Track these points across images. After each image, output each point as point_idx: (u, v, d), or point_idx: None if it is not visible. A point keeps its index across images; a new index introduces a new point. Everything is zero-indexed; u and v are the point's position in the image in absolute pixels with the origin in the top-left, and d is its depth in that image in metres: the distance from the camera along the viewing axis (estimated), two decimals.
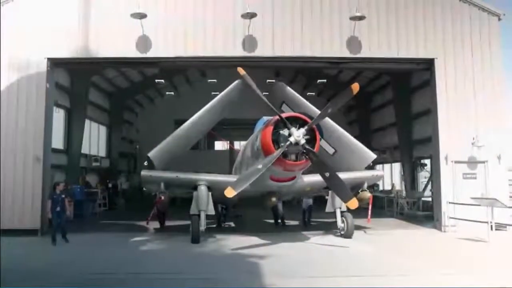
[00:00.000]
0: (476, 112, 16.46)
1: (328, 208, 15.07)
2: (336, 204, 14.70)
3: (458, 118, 16.41)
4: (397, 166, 26.06)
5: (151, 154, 14.65)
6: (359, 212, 14.99)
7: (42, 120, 15.73)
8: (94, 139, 26.34)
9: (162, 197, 14.27)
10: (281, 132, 11.87)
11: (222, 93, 15.50)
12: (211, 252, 12.43)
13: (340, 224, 14.71)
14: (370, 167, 17.05)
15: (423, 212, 20.73)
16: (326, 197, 15.32)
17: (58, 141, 20.51)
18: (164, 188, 14.40)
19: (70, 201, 18.92)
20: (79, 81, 21.91)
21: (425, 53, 16.50)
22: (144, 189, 17.82)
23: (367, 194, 15.25)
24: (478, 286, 8.59)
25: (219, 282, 9.24)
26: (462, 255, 12.07)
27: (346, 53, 16.22)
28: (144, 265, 10.78)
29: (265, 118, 13.55)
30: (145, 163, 15.91)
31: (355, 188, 14.92)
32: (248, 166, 13.72)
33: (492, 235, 13.46)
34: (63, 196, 13.73)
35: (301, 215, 18.15)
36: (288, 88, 16.19)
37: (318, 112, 13.25)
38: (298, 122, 11.85)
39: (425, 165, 22.98)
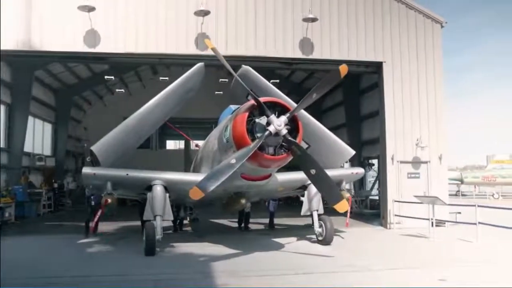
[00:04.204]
0: (420, 115, 17.26)
1: (304, 211, 13.56)
2: (313, 206, 13.30)
3: (404, 120, 17.14)
4: (346, 166, 26.72)
5: (95, 147, 12.69)
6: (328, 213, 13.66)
7: None
8: (38, 137, 25.11)
9: (109, 200, 12.18)
10: (257, 120, 10.10)
11: (180, 79, 13.75)
12: (164, 253, 11.97)
13: (317, 228, 13.15)
14: None
15: (370, 210, 21.46)
16: (301, 198, 13.91)
17: None
18: (111, 189, 12.29)
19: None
20: (22, 76, 20.80)
21: (374, 56, 17.08)
22: (86, 191, 15.48)
23: (346, 195, 13.59)
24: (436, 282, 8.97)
25: (171, 283, 9.07)
26: (406, 251, 12.61)
27: (298, 54, 16.47)
28: (92, 268, 10.36)
29: (233, 107, 11.97)
30: (88, 159, 13.83)
31: None
32: (213, 163, 11.94)
33: (432, 231, 14.14)
34: None
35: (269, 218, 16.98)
36: (256, 73, 13.85)
37: (292, 103, 11.67)
38: (275, 109, 10.10)
39: (373, 164, 23.81)
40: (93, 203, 15.22)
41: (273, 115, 9.81)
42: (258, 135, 9.95)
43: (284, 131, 9.79)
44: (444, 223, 16.06)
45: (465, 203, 18.61)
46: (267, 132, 9.70)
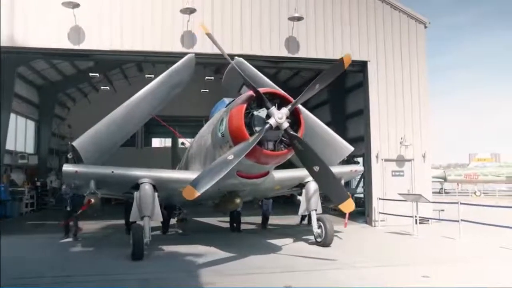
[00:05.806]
0: (404, 113, 17.51)
1: (302, 211, 12.90)
2: (312, 206, 12.60)
3: (388, 118, 17.36)
4: None
5: (77, 143, 11.75)
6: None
7: None
8: (21, 135, 24.68)
9: (92, 200, 11.25)
10: (255, 113, 9.28)
11: (169, 70, 12.95)
12: (151, 254, 11.63)
13: (316, 229, 12.44)
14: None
15: (355, 208, 21.59)
16: (299, 197, 13.21)
17: None
18: (94, 188, 11.37)
19: None
20: (4, 72, 20.38)
21: (359, 56, 17.20)
22: (63, 190, 14.47)
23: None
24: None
25: (156, 282, 9.03)
26: (390, 248, 12.77)
27: (284, 53, 16.54)
28: (75, 267, 10.23)
29: (226, 100, 11.19)
30: (69, 155, 12.92)
31: None
32: (206, 160, 11.12)
33: (416, 228, 14.35)
34: None
35: (261, 218, 16.44)
36: (250, 66, 13.02)
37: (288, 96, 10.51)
38: (274, 101, 9.29)
39: (358, 163, 23.97)
40: (68, 207, 14.05)
41: (273, 107, 9.05)
42: (257, 128, 9.13)
43: (286, 125, 9.00)
44: (428, 221, 16.30)
45: (448, 201, 18.89)
46: (267, 126, 8.90)
